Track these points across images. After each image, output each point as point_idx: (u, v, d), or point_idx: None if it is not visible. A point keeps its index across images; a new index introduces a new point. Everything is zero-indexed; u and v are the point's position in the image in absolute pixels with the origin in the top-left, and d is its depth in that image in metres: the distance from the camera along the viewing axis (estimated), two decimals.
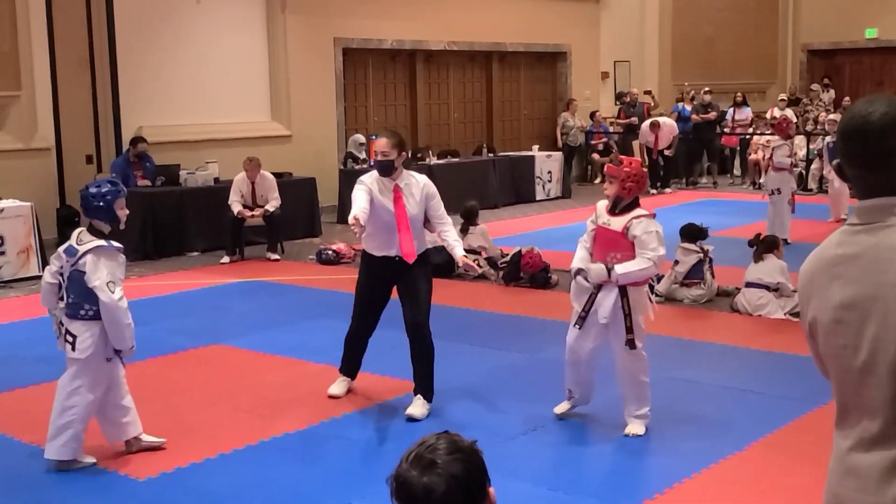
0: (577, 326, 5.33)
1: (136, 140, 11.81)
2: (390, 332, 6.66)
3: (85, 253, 4.77)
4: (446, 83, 17.20)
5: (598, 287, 5.21)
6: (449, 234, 5.81)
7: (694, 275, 8.45)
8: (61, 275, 4.87)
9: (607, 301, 5.19)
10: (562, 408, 5.57)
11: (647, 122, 16.58)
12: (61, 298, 4.88)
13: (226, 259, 10.84)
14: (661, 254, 5.15)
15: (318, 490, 4.66)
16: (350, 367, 6.11)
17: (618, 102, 18.81)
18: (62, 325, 4.86)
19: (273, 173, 11.45)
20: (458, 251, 5.76)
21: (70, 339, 4.81)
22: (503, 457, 4.74)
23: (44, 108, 11.76)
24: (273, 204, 11.02)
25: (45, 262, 10.03)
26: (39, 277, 9.73)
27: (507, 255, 9.55)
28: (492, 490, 1.92)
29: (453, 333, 7.45)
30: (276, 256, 11.00)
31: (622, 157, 5.60)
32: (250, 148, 12.26)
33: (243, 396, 6.09)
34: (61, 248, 4.94)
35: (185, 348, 7.26)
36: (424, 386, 5.70)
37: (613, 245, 5.21)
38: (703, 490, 4.63)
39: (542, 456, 4.93)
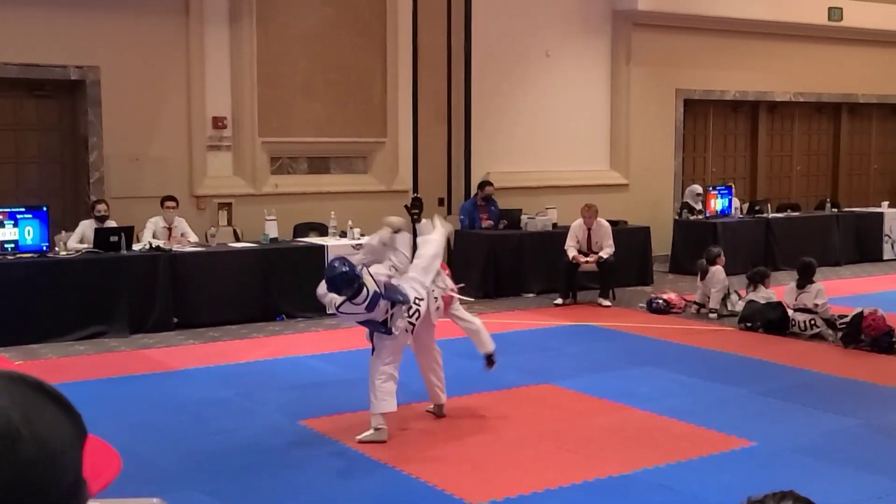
0: None
1: (484, 184, 12.56)
2: (730, 388, 6.71)
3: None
4: (790, 135, 16.71)
5: None
6: None
7: None
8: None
9: None
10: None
11: None
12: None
13: (559, 301, 11.25)
14: None
15: None
16: None
17: None
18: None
19: (608, 221, 11.72)
20: None
21: None
22: None
23: (405, 154, 12.87)
24: (607, 251, 11.30)
25: None
26: None
27: (847, 315, 9.16)
28: None
29: (786, 392, 7.32)
30: (608, 302, 11.25)
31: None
32: (588, 195, 12.63)
33: (569, 436, 6.34)
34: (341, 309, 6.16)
35: (517, 385, 7.62)
36: None
37: None
38: None
39: None
